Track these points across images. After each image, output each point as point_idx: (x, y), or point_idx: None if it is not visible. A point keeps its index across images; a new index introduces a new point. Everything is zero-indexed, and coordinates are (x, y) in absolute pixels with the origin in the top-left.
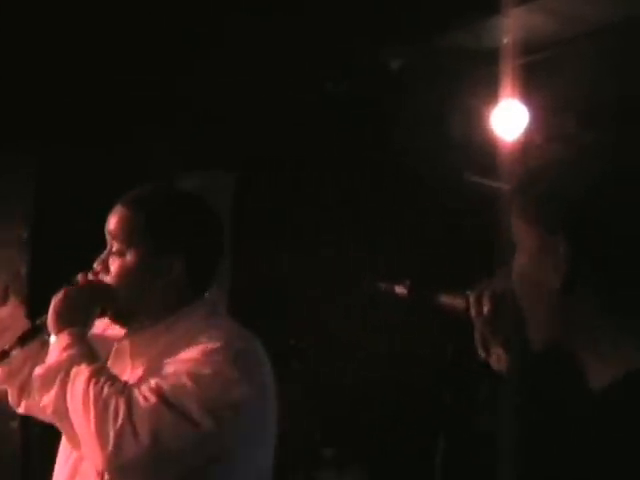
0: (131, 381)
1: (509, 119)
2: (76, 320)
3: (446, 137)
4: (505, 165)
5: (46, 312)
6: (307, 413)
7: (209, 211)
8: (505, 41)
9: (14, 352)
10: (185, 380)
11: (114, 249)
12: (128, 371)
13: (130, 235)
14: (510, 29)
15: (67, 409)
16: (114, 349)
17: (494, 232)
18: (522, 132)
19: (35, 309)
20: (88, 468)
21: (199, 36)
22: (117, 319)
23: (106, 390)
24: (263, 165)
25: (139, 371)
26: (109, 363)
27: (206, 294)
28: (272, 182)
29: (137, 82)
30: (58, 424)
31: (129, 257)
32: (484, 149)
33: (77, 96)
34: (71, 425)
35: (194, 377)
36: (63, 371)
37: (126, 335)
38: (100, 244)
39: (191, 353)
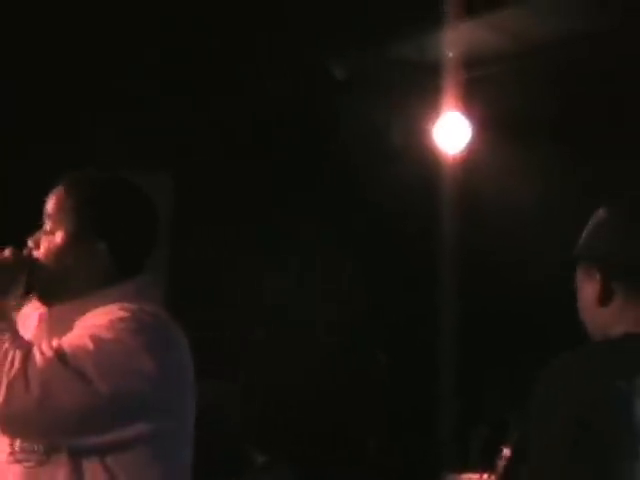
0: None
1: (451, 132)
2: None
3: (388, 148)
4: (446, 177)
5: None
6: (239, 417)
7: (143, 200)
8: (449, 55)
9: None
10: (86, 341)
11: (48, 227)
12: (44, 343)
13: (60, 215)
14: (454, 43)
15: None
16: (35, 325)
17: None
18: (463, 145)
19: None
20: (2, 437)
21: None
22: (41, 295)
23: (7, 345)
24: (202, 166)
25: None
26: (27, 335)
27: (138, 279)
28: (210, 182)
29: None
30: None
31: (57, 236)
32: (426, 161)
33: None
34: None
35: (95, 339)
36: None
37: (45, 311)
38: None
39: (102, 320)
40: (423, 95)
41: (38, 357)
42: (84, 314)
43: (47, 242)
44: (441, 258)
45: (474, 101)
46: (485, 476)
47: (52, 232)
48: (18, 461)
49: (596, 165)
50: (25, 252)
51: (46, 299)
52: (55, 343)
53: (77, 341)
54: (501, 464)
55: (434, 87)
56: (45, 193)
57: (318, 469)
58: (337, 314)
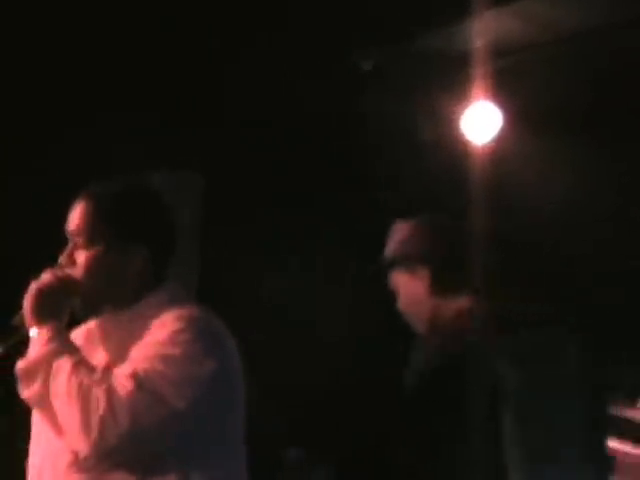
0: (102, 365)
1: (480, 123)
2: (53, 314)
3: (416, 140)
4: (475, 168)
5: (20, 311)
6: (273, 413)
7: (164, 204)
8: (477, 45)
9: None
10: (157, 364)
11: (80, 242)
12: (98, 356)
13: (93, 227)
14: (483, 33)
15: (49, 401)
16: (82, 335)
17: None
18: (493, 136)
19: None
20: (61, 446)
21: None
22: (86, 312)
23: (86, 382)
24: (233, 165)
25: (108, 355)
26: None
27: (167, 281)
28: (241, 182)
29: (107, 78)
30: (41, 414)
31: (95, 249)
32: (455, 152)
33: None
34: (53, 414)
35: (165, 359)
36: (46, 364)
37: (95, 321)
38: None
39: (158, 335)
40: (451, 86)
41: (120, 391)
42: (133, 322)
43: (84, 256)
44: (471, 250)
45: (503, 91)
46: None
47: (86, 246)
48: (83, 470)
49: (627, 156)
50: (61, 272)
51: (90, 313)
52: (129, 371)
53: (149, 365)
54: None
55: (462, 77)
56: (73, 195)
57: (350, 464)
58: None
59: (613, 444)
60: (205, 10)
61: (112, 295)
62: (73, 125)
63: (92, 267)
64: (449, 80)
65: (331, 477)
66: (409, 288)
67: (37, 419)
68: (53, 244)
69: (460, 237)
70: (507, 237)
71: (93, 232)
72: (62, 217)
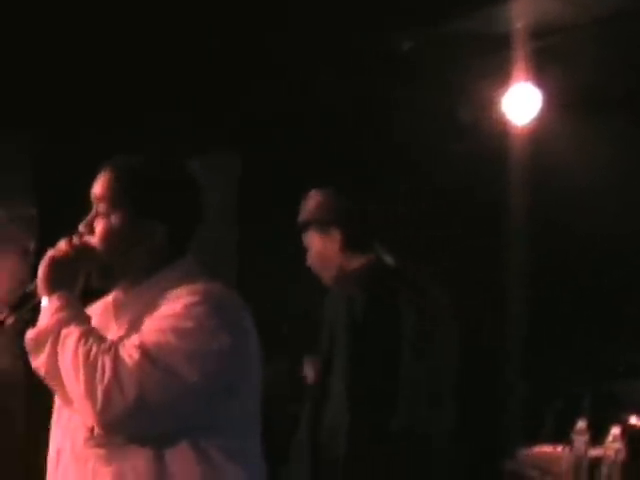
0: (116, 338)
1: (520, 104)
2: (65, 283)
3: (457, 122)
4: (517, 150)
5: (35, 278)
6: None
7: (190, 179)
8: (517, 26)
9: (9, 321)
10: (169, 336)
11: (99, 211)
12: (114, 329)
13: (115, 198)
14: (522, 14)
15: (58, 370)
16: (99, 309)
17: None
18: (534, 116)
19: None
20: (79, 423)
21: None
22: (102, 282)
23: (94, 350)
24: (269, 146)
25: (123, 329)
26: (94, 322)
27: (185, 256)
28: (278, 163)
29: (147, 64)
30: (51, 384)
31: (113, 219)
32: (495, 134)
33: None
34: (63, 384)
35: (177, 331)
36: (54, 333)
37: (110, 295)
38: None
39: (172, 308)
40: (491, 67)
41: (127, 360)
42: (149, 295)
43: (102, 225)
44: (511, 233)
45: (543, 72)
46: (559, 448)
47: (107, 215)
48: (99, 445)
49: None
50: (78, 240)
51: (105, 284)
52: (138, 341)
53: (160, 337)
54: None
55: (502, 59)
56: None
57: None
58: None
59: None
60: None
61: (128, 267)
62: (116, 107)
63: (108, 237)
64: (488, 62)
65: None
66: (322, 246)
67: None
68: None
69: (367, 204)
70: (546, 217)
71: (112, 203)
72: None
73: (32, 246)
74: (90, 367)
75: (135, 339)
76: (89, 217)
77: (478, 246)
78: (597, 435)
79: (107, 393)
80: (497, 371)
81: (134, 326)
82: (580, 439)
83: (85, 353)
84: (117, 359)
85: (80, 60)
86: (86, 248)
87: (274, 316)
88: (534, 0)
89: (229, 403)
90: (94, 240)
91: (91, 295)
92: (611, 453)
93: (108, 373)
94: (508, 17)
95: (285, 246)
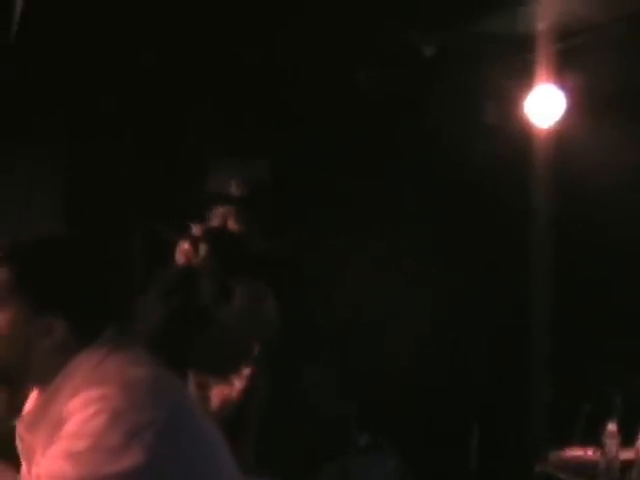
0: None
1: (544, 105)
2: None
3: (481, 123)
4: (540, 151)
5: None
6: (342, 399)
7: (91, 254)
8: (540, 26)
9: None
10: (61, 464)
11: None
12: (36, 459)
13: (6, 293)
14: (545, 14)
15: None
16: (18, 436)
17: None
18: (558, 118)
19: None
20: None
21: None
22: (7, 390)
23: None
24: (297, 152)
25: (38, 451)
26: (21, 447)
27: (97, 340)
28: (306, 169)
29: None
30: None
31: (4, 318)
32: (519, 135)
33: None
34: None
35: (69, 456)
36: None
37: (18, 426)
38: None
39: (71, 425)
40: (515, 68)
41: None
42: (56, 410)
43: None
44: (536, 236)
45: (567, 73)
46: (590, 451)
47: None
48: None
49: None
50: None
51: (14, 391)
52: (35, 476)
53: (53, 466)
54: None
55: (526, 60)
56: (144, 184)
57: (419, 450)
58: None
59: None
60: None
61: (30, 369)
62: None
63: (2, 337)
64: (513, 63)
65: (399, 463)
66: None
67: None
68: None
69: None
70: (569, 219)
71: (2, 298)
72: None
73: None
74: None
75: (35, 473)
76: None
77: (502, 250)
78: (628, 437)
79: None
80: (526, 374)
81: (45, 453)
82: (611, 441)
83: None
84: None
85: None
86: None
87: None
88: (557, 1)
89: None
90: None
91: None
92: None
93: None
94: (532, 17)
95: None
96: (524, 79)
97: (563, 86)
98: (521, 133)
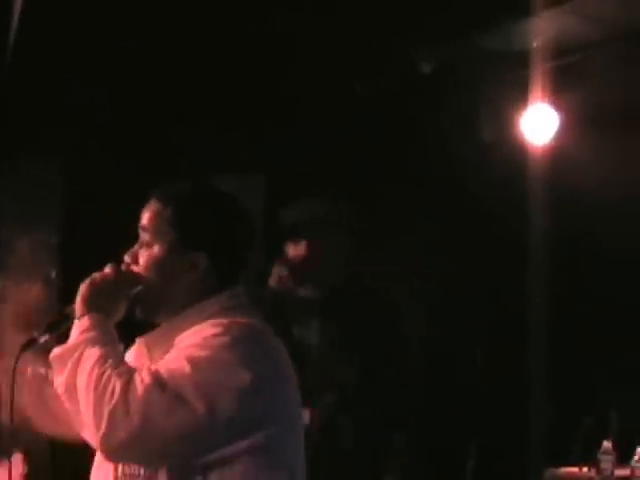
0: None
1: (540, 123)
2: (100, 306)
3: (476, 140)
4: (535, 169)
5: (74, 300)
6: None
7: (238, 209)
8: (536, 44)
9: (42, 339)
10: (182, 363)
11: (144, 241)
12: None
13: (157, 228)
14: (542, 32)
15: (76, 391)
16: (135, 351)
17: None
18: (553, 136)
19: None
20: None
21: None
22: (143, 312)
23: (108, 372)
24: (293, 167)
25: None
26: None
27: (229, 289)
28: (301, 183)
29: (169, 86)
30: (67, 405)
31: (156, 249)
32: (514, 153)
33: None
34: (79, 407)
35: (191, 360)
36: (77, 353)
37: (142, 336)
38: None
39: (193, 339)
40: (511, 86)
41: (138, 385)
42: (182, 331)
43: (146, 255)
44: (532, 249)
45: (563, 91)
46: (585, 469)
47: (150, 245)
48: None
49: None
50: (124, 267)
51: (148, 316)
52: (153, 368)
53: (174, 364)
54: None
55: (522, 77)
56: (140, 199)
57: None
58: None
59: None
60: (270, 14)
61: (169, 298)
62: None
63: (151, 267)
64: (508, 80)
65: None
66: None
67: None
68: (125, 245)
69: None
70: (565, 235)
71: (157, 233)
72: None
73: (54, 274)
74: (101, 389)
75: (152, 366)
76: (135, 247)
77: (499, 265)
78: (623, 454)
79: (113, 415)
80: (523, 393)
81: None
82: (606, 459)
83: (99, 375)
84: (128, 383)
85: (102, 89)
86: (129, 275)
87: None
88: (554, 18)
89: (246, 441)
90: (137, 269)
91: (132, 328)
92: (638, 473)
93: (116, 396)
94: (528, 35)
95: None
96: (520, 96)
97: (558, 103)
98: (516, 150)
